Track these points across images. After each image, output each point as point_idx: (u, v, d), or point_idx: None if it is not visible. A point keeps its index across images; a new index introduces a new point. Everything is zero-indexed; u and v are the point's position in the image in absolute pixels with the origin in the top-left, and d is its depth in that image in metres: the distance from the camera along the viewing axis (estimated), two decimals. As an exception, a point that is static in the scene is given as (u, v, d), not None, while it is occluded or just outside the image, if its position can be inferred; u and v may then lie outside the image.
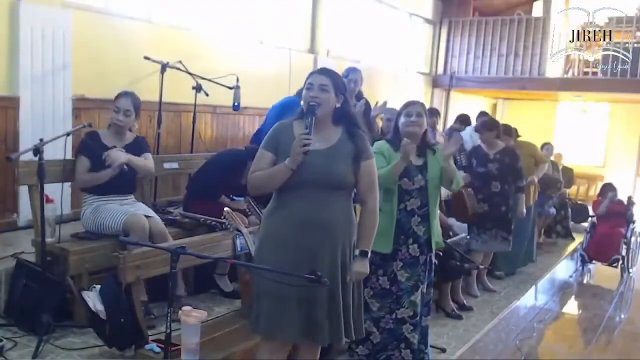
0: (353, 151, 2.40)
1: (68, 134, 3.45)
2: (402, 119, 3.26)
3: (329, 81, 2.39)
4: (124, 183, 3.63)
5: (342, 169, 2.37)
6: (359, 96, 5.00)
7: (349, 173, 2.39)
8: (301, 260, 2.31)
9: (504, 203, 4.94)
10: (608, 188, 7.17)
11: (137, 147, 3.70)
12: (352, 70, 4.96)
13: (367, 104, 5.02)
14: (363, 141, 2.45)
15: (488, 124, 5.14)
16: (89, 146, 3.54)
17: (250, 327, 2.48)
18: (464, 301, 4.62)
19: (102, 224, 3.50)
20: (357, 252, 2.45)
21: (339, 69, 5.55)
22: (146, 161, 3.72)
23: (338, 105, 2.42)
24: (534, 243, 6.22)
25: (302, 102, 2.44)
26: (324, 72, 2.46)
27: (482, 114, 7.07)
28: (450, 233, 4.95)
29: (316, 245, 2.35)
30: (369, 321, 3.27)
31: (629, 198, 7.13)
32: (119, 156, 3.49)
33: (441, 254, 3.65)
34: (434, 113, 6.16)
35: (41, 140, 3.06)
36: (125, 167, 3.52)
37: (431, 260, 3.31)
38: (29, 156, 3.19)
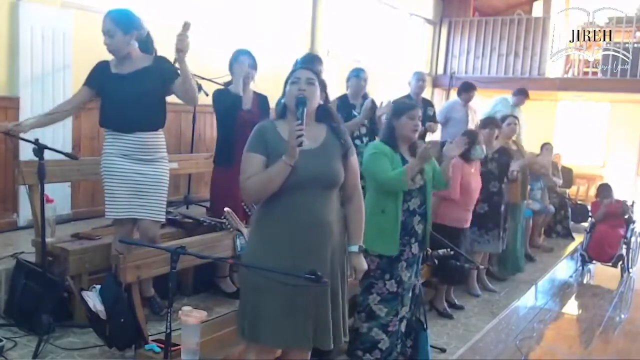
0: (341, 148, 2.38)
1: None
2: (403, 120, 3.19)
3: (315, 76, 2.37)
4: (139, 115, 3.07)
5: (336, 167, 2.34)
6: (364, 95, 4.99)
7: (341, 170, 2.36)
8: (303, 263, 2.26)
9: (502, 202, 4.96)
10: (604, 190, 7.15)
11: (155, 72, 3.09)
12: (350, 76, 4.96)
13: (373, 102, 5.01)
14: (347, 137, 2.44)
15: (483, 122, 5.14)
16: (93, 76, 3.21)
17: (240, 334, 2.41)
18: (455, 300, 4.62)
19: (106, 199, 3.18)
20: (354, 248, 2.42)
21: (340, 69, 5.56)
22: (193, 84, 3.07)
23: (321, 102, 2.39)
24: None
25: (284, 100, 2.37)
26: (309, 68, 2.45)
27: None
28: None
29: (318, 248, 2.32)
30: (377, 328, 3.23)
31: (618, 201, 7.08)
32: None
33: (440, 253, 3.65)
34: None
35: (37, 140, 3.01)
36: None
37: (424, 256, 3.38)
38: (29, 156, 3.18)
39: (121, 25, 3.08)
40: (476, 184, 4.49)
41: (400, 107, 3.27)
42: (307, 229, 2.29)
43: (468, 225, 4.45)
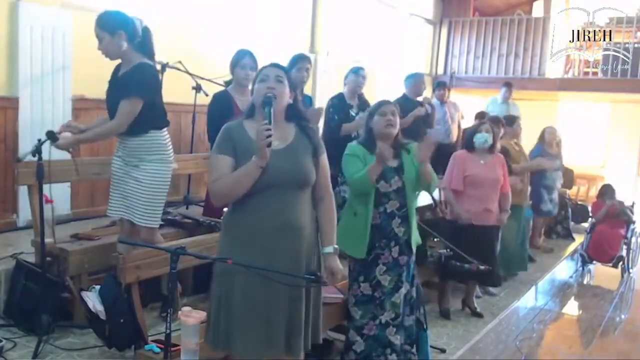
0: (310, 146, 2.32)
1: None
2: (376, 119, 3.20)
3: (284, 74, 2.29)
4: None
5: (307, 166, 2.28)
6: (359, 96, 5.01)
7: (312, 169, 2.29)
8: (279, 266, 2.19)
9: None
10: (606, 191, 7.14)
11: (123, 83, 3.10)
12: (348, 73, 4.98)
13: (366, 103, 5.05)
14: (317, 135, 2.38)
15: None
16: None
17: (211, 345, 2.32)
18: (476, 307, 4.55)
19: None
20: (329, 249, 2.33)
21: (340, 69, 5.57)
22: (103, 127, 3.17)
23: (291, 101, 2.32)
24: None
25: (252, 98, 2.30)
26: (277, 65, 2.37)
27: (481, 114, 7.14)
28: None
29: (291, 251, 2.25)
30: (352, 330, 3.22)
31: (619, 202, 7.05)
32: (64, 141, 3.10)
33: (441, 252, 3.63)
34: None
35: (39, 140, 3.03)
36: None
37: (413, 261, 3.27)
38: (28, 156, 3.18)
39: (106, 27, 3.05)
40: (491, 175, 4.31)
41: (372, 108, 3.29)
42: (279, 232, 2.22)
43: (491, 223, 4.32)
